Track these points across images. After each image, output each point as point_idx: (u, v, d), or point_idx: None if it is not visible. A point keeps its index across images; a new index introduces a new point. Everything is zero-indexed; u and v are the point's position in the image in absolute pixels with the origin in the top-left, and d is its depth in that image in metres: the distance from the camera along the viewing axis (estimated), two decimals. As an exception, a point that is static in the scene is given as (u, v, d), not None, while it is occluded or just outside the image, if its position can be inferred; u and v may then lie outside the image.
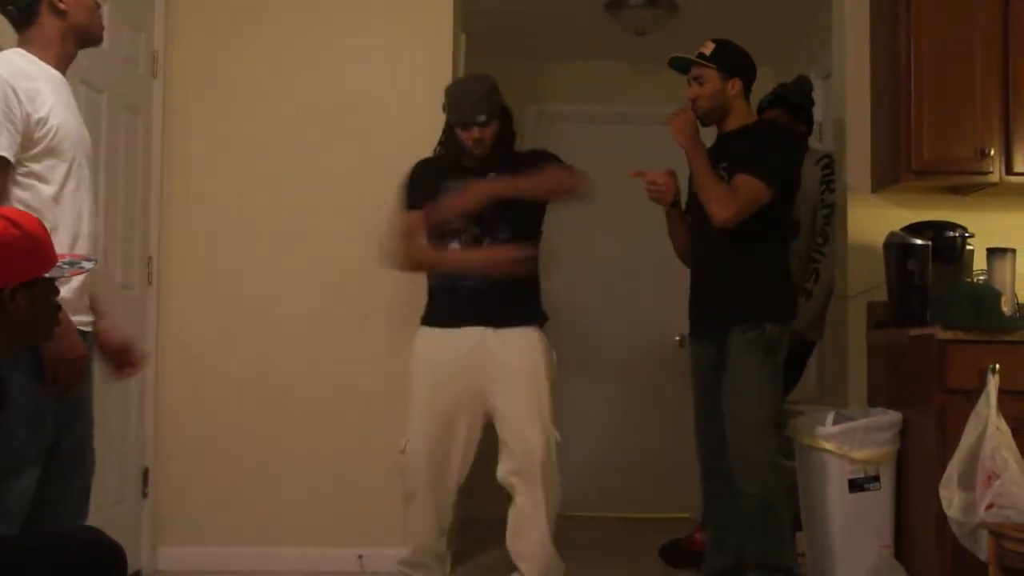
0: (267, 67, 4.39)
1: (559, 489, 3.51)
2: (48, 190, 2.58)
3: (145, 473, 4.22)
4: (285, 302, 4.32)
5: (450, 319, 3.53)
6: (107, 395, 3.76)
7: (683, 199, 3.77)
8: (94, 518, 3.36)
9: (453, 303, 3.54)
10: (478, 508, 5.45)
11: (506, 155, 3.59)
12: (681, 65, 3.64)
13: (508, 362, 3.48)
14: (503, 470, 3.50)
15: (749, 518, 3.53)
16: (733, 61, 3.60)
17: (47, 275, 2.10)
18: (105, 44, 3.75)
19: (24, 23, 2.68)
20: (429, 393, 3.52)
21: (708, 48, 3.60)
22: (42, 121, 2.56)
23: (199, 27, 4.32)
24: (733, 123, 3.64)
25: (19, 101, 2.51)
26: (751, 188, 3.47)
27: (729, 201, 3.47)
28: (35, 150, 2.56)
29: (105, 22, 3.75)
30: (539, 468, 3.43)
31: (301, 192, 4.33)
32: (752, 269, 3.57)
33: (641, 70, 5.83)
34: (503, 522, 3.53)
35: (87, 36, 2.80)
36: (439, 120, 4.39)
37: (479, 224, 3.52)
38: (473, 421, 3.53)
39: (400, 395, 4.20)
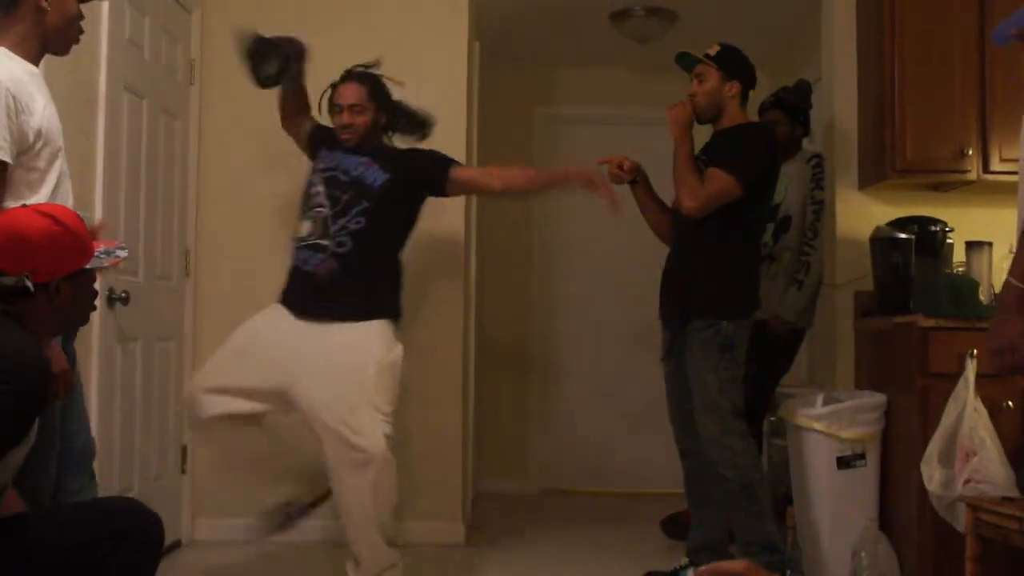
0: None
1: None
2: (46, 189, 2.51)
3: (184, 450, 4.35)
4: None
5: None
6: (149, 378, 3.98)
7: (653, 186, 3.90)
8: (138, 491, 3.58)
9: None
10: (494, 485, 5.67)
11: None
12: (686, 62, 3.73)
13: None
14: None
15: (732, 501, 3.58)
16: (735, 65, 3.69)
17: (87, 265, 2.12)
18: (146, 54, 3.92)
19: (2, 12, 2.50)
20: None
21: (714, 50, 3.70)
22: (39, 132, 2.47)
23: (231, 38, 4.48)
24: (725, 123, 3.71)
25: (18, 111, 2.40)
26: (719, 181, 3.55)
27: (697, 191, 3.56)
28: (36, 154, 2.49)
29: (146, 34, 3.92)
30: None
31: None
32: (715, 266, 3.63)
33: (642, 76, 5.95)
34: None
35: (58, 43, 2.60)
36: (457, 126, 4.48)
37: (334, 203, 3.49)
38: None
39: (414, 376, 4.28)
